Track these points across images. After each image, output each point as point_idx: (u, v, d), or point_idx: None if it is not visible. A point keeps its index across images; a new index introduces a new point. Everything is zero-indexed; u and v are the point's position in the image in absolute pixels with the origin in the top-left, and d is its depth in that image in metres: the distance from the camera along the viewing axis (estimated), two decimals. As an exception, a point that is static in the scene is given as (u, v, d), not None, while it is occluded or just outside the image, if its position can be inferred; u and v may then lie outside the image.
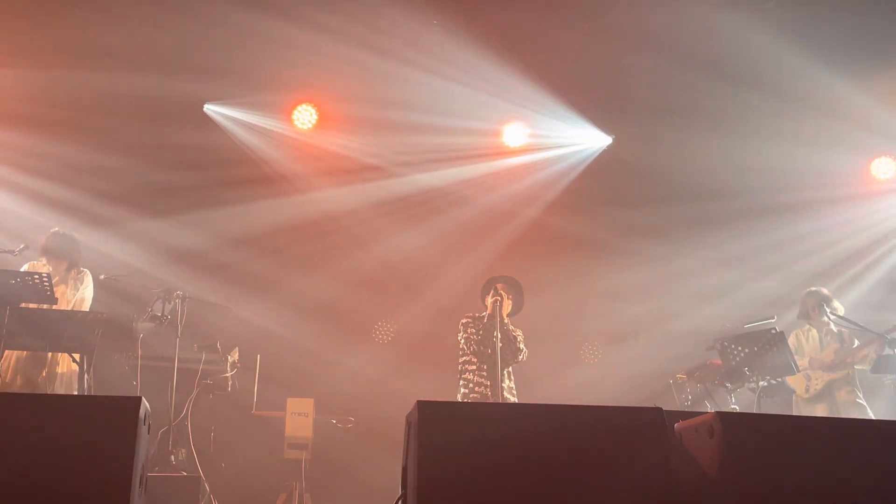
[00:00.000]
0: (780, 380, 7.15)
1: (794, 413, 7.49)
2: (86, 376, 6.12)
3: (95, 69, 7.92)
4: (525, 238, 9.25)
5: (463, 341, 6.93)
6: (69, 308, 6.73)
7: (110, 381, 6.67)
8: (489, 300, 6.93)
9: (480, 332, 6.90)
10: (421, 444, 3.14)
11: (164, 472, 6.15)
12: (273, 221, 8.81)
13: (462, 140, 9.04)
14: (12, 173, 8.27)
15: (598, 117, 9.00)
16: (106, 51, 7.85)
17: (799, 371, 7.23)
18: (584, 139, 9.24)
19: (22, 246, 6.56)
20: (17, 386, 6.50)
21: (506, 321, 6.93)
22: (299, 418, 7.12)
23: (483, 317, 6.95)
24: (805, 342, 7.73)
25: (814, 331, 7.76)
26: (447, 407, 3.57)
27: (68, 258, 6.95)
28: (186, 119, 8.48)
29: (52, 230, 7.09)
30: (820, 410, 7.45)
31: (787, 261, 9.02)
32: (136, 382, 6.30)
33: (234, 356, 6.86)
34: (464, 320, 7.02)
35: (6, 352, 6.34)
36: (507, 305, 6.95)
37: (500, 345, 6.61)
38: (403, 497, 3.32)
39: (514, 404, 6.79)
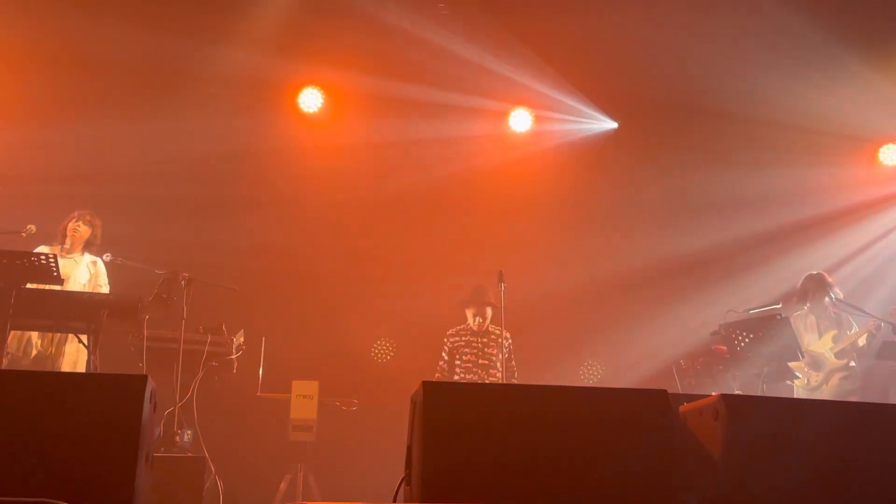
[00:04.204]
0: (784, 366, 7.16)
1: (796, 399, 7.50)
2: (91, 357, 6.14)
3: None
4: (527, 224, 9.26)
5: (447, 355, 7.58)
6: (78, 289, 6.76)
7: (116, 361, 6.69)
8: (473, 314, 7.54)
9: (465, 338, 7.58)
10: (425, 423, 3.16)
11: (170, 452, 6.18)
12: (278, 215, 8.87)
13: (466, 125, 9.07)
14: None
15: (606, 105, 9.03)
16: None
17: (803, 357, 7.24)
18: (588, 123, 9.25)
19: (29, 227, 6.57)
20: (27, 363, 6.54)
21: (494, 333, 7.50)
22: (304, 400, 7.14)
23: (468, 327, 7.61)
24: (803, 327, 7.71)
25: (811, 315, 7.73)
26: (451, 387, 3.59)
27: (86, 239, 6.97)
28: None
29: (75, 211, 7.10)
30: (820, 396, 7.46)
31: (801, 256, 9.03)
32: (142, 363, 6.32)
33: (240, 338, 6.88)
34: (447, 335, 7.65)
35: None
36: (488, 319, 7.55)
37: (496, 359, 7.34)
38: (407, 477, 3.34)
39: (518, 385, 6.87)
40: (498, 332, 7.49)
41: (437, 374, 7.60)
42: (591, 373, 9.22)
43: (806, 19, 7.39)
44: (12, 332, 6.40)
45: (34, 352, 6.63)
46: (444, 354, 7.64)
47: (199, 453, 6.29)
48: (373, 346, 9.08)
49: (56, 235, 7.04)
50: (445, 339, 7.66)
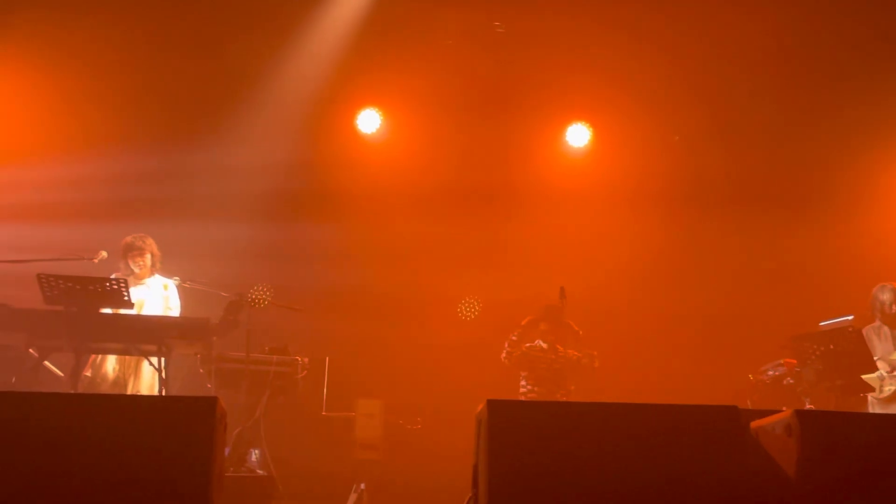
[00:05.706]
0: (857, 378, 6.97)
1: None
2: (162, 379, 6.27)
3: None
4: (591, 241, 9.22)
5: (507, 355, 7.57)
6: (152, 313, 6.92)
7: (185, 381, 6.83)
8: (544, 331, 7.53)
9: (535, 353, 7.54)
10: (491, 442, 3.15)
11: (239, 472, 6.27)
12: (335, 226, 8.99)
13: (526, 144, 9.12)
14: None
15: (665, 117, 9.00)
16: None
17: (878, 369, 7.04)
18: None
19: (101, 253, 6.76)
20: (106, 387, 6.70)
21: (561, 352, 7.50)
22: (368, 419, 7.21)
23: (538, 344, 7.60)
24: (878, 340, 7.48)
25: (885, 327, 7.50)
26: (517, 405, 3.58)
27: (149, 265, 7.13)
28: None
29: (121, 243, 7.22)
30: (895, 409, 7.23)
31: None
32: (210, 384, 6.44)
33: (304, 359, 6.97)
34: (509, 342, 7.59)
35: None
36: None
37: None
38: (475, 496, 3.34)
39: (585, 403, 6.82)
40: (562, 349, 7.52)
41: (506, 348, 7.58)
42: (658, 382, 9.09)
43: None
44: (91, 356, 6.59)
45: (112, 375, 6.79)
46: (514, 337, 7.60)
47: (268, 472, 6.38)
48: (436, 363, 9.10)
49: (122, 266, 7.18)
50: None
